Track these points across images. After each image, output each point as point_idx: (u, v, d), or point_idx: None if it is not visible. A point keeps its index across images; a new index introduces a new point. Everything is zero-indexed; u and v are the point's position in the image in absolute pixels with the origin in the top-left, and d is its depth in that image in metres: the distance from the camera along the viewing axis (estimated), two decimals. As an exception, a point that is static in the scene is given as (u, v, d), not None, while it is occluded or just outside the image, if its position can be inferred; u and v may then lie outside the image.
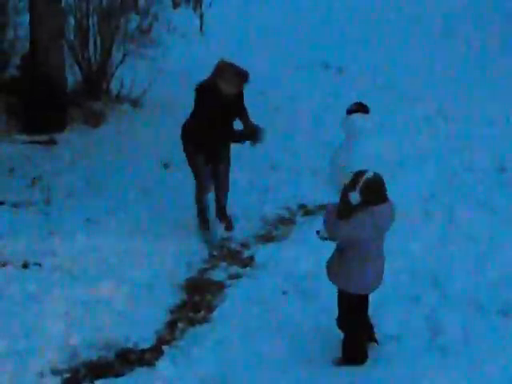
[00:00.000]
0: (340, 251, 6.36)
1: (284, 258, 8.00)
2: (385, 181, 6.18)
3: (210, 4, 13.69)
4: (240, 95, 8.06)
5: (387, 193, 6.19)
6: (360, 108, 9.13)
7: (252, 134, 7.99)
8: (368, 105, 9.17)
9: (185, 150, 8.12)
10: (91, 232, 8.27)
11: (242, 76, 7.84)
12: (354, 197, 6.06)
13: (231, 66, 7.86)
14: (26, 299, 7.25)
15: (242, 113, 8.13)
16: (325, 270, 6.54)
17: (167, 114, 10.45)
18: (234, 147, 8.28)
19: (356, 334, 6.60)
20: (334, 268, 6.44)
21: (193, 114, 8.03)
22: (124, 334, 7.02)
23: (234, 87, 7.85)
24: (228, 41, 12.79)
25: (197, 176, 8.21)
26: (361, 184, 6.06)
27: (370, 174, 6.11)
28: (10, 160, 9.56)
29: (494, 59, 12.66)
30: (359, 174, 6.13)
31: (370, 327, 6.79)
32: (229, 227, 8.49)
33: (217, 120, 7.80)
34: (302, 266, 7.81)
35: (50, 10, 9.99)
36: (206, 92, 7.86)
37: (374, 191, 6.09)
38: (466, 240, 8.22)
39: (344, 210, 6.11)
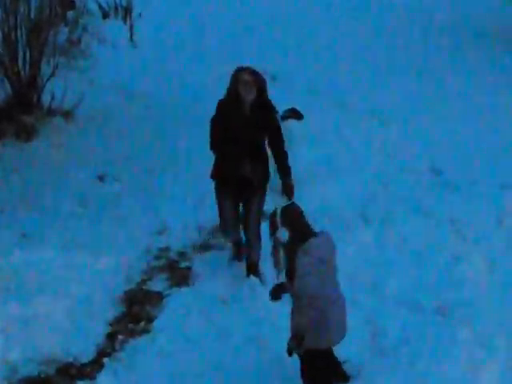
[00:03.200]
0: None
1: (221, 266, 8.01)
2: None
3: (140, 14, 13.64)
4: (266, 109, 7.47)
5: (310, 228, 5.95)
6: (294, 114, 9.18)
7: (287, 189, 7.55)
8: (301, 111, 9.24)
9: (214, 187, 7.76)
10: (27, 247, 8.18)
11: (257, 76, 7.35)
12: (283, 233, 5.87)
13: (247, 67, 7.44)
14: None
15: (274, 136, 7.56)
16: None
17: (100, 125, 10.40)
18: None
19: None
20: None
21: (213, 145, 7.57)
22: (64, 348, 6.99)
23: (253, 88, 7.35)
24: (159, 51, 12.77)
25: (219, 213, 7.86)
26: (279, 217, 5.89)
27: (281, 207, 5.98)
28: None
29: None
30: (272, 214, 5.97)
31: (337, 365, 6.51)
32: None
33: (241, 137, 7.39)
34: (238, 274, 7.83)
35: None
36: (228, 104, 7.43)
37: (293, 217, 5.90)
38: (402, 243, 8.30)
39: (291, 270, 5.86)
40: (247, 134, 7.38)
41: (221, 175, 7.60)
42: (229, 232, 7.90)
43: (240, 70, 7.41)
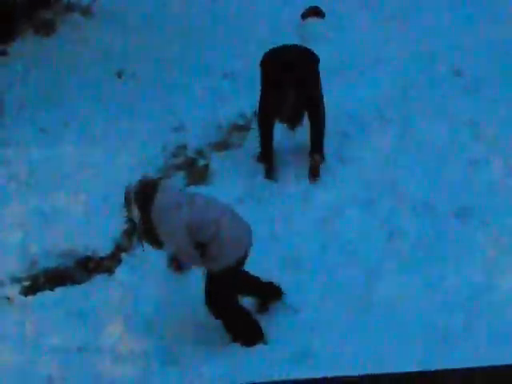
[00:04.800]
0: None
1: (240, 165, 8.02)
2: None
3: None
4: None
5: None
6: (315, 12, 9.04)
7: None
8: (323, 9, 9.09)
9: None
10: (45, 143, 8.22)
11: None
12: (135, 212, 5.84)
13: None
14: (-19, 209, 7.27)
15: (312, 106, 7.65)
16: None
17: (118, 22, 10.27)
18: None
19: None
20: None
21: None
22: (82, 242, 7.08)
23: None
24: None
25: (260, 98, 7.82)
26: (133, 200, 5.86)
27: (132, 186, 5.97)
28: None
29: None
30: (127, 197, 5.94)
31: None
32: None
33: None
34: (258, 172, 7.85)
35: None
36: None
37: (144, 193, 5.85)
38: (420, 145, 8.21)
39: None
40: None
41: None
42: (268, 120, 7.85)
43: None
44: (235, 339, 6.15)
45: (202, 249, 5.79)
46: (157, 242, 5.88)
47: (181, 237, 5.69)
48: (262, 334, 6.20)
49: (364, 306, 6.46)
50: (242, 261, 5.98)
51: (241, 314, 6.12)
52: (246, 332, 6.17)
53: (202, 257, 5.82)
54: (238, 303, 6.13)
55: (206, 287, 5.97)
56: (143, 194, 5.78)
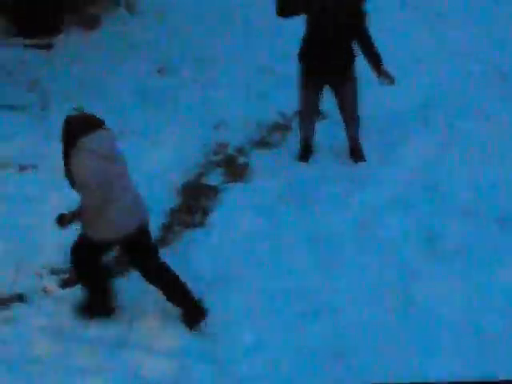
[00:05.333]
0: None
1: (279, 164, 8.02)
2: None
3: None
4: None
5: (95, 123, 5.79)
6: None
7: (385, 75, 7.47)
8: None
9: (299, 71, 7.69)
10: (87, 136, 8.25)
11: None
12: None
13: None
14: (23, 201, 7.31)
15: (358, 21, 7.35)
16: None
17: (162, 18, 10.34)
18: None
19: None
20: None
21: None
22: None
23: None
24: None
25: (299, 99, 7.83)
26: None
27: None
28: (6, 64, 9.47)
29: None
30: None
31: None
32: (358, 159, 8.02)
33: (322, 23, 7.28)
34: (298, 172, 7.84)
35: None
36: None
37: (73, 126, 5.71)
38: (463, 149, 8.16)
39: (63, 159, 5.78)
40: (330, 19, 7.25)
41: (307, 61, 7.56)
42: (308, 118, 7.90)
43: None
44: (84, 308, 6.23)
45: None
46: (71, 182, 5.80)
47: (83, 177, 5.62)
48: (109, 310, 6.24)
49: (402, 310, 6.42)
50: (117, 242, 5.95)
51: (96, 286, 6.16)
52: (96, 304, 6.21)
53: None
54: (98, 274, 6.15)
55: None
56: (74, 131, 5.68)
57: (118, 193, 5.78)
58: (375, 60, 7.46)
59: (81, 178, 5.64)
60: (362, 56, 7.50)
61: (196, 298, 6.22)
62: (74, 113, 6.13)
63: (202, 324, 6.21)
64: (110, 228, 5.82)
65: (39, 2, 9.87)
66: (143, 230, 6.00)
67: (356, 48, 7.53)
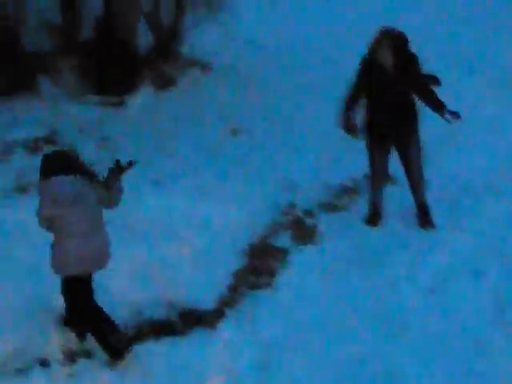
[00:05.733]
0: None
1: (348, 227, 7.99)
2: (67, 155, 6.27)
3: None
4: (405, 63, 7.55)
5: (75, 166, 6.17)
6: (432, 80, 9.02)
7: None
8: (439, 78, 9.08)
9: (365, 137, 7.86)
10: (158, 193, 8.38)
11: (388, 36, 7.50)
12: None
13: (382, 28, 7.58)
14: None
15: (416, 85, 7.62)
16: None
17: (236, 79, 10.49)
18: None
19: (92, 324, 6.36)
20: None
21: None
22: (187, 294, 7.09)
23: (384, 50, 7.48)
24: (297, 9, 12.74)
25: (369, 163, 7.97)
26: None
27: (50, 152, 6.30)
28: (81, 120, 9.67)
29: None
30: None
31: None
32: (427, 225, 7.98)
33: (383, 93, 7.54)
34: (367, 236, 7.80)
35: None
36: (364, 63, 7.63)
37: (49, 163, 6.12)
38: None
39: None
40: (392, 96, 7.48)
41: (371, 127, 7.72)
42: (377, 183, 7.95)
43: (378, 33, 7.44)
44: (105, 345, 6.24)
45: None
46: None
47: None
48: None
49: (464, 381, 6.26)
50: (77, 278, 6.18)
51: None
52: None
53: None
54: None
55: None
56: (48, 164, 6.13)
57: (75, 232, 6.08)
58: (438, 104, 7.60)
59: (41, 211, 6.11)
60: (428, 109, 7.63)
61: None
62: (57, 150, 6.36)
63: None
64: (67, 262, 6.16)
65: (114, 60, 10.09)
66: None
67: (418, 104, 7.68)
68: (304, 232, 8.04)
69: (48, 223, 6.14)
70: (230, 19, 11.21)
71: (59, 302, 6.50)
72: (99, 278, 6.99)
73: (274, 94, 10.23)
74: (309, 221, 8.21)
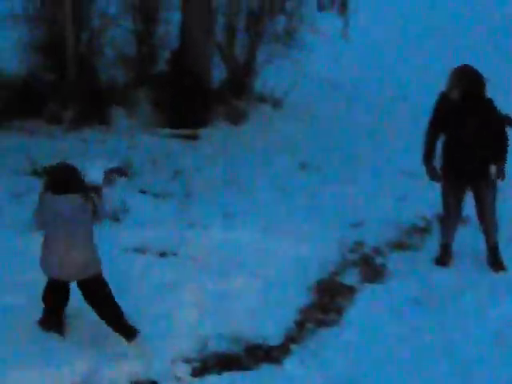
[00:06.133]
0: None
1: (417, 267, 7.93)
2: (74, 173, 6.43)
3: (356, 9, 13.69)
4: (479, 102, 7.57)
5: (78, 186, 6.42)
6: (508, 121, 8.94)
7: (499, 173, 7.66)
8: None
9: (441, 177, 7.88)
10: (227, 226, 8.43)
11: (463, 75, 7.52)
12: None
13: (457, 67, 7.63)
14: (162, 286, 7.44)
15: (491, 126, 7.59)
16: None
17: (308, 115, 10.56)
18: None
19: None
20: None
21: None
22: (253, 329, 7.08)
23: (458, 89, 7.51)
24: (370, 46, 12.77)
25: (443, 203, 7.94)
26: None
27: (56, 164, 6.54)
28: (154, 152, 9.80)
29: None
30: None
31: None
32: (497, 267, 7.91)
33: (458, 133, 7.58)
34: (436, 277, 7.72)
35: (200, 8, 10.23)
36: (439, 102, 7.68)
37: (53, 179, 6.39)
38: None
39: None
40: (468, 136, 7.48)
41: (447, 167, 7.70)
42: (451, 224, 7.90)
43: (453, 72, 7.38)
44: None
45: None
46: None
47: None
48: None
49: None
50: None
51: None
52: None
53: None
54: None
55: None
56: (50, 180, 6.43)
57: (53, 242, 6.41)
58: (502, 154, 7.63)
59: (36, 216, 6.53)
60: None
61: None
62: (59, 164, 6.56)
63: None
64: (45, 266, 6.54)
65: (188, 94, 10.22)
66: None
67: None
68: (372, 270, 8.00)
69: (41, 226, 6.54)
70: (303, 56, 11.28)
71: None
72: (165, 309, 7.08)
73: (344, 130, 10.27)
74: (377, 259, 8.17)
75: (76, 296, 6.60)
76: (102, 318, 6.62)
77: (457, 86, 7.48)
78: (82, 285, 6.60)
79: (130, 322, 6.60)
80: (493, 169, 7.67)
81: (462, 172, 7.64)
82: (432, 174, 7.79)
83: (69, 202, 6.41)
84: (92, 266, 6.57)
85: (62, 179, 6.44)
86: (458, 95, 7.49)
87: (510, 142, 7.74)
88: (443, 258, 7.95)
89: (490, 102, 7.59)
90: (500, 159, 7.66)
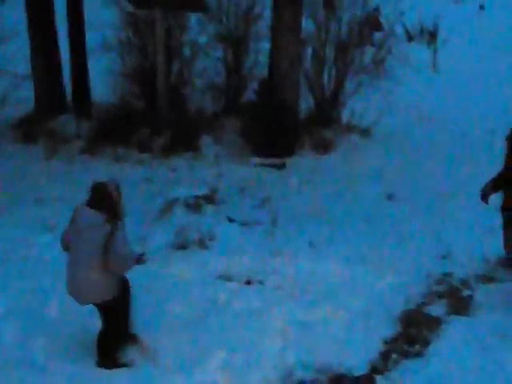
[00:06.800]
0: None
1: (505, 300, 7.82)
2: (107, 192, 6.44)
3: (445, 41, 13.65)
4: None
5: (105, 202, 6.44)
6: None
7: None
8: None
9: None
10: (313, 256, 8.45)
11: None
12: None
13: None
14: (247, 315, 7.50)
15: None
16: None
17: (395, 145, 10.53)
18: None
19: None
20: None
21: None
22: (338, 359, 7.08)
23: None
24: (459, 78, 12.69)
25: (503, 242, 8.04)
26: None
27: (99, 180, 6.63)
28: (242, 181, 9.90)
29: None
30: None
31: None
32: None
33: None
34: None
35: (289, 39, 10.33)
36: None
37: (89, 193, 6.50)
38: None
39: None
40: None
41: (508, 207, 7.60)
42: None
43: None
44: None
45: None
46: None
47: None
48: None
49: None
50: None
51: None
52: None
53: None
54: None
55: None
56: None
57: (69, 260, 6.62)
58: None
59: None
60: None
61: None
62: (98, 181, 6.64)
63: None
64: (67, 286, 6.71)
65: (276, 123, 10.31)
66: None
67: None
68: (459, 302, 7.92)
69: (65, 246, 6.69)
70: (391, 86, 11.28)
71: (217, 361, 6.61)
72: (250, 336, 7.13)
73: (431, 161, 10.19)
74: (464, 291, 8.08)
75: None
76: (102, 333, 6.79)
77: None
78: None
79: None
80: None
81: None
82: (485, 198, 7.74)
83: (89, 215, 6.50)
84: (97, 292, 6.61)
85: (93, 194, 6.56)
86: None
87: None
88: None
89: None
90: None
